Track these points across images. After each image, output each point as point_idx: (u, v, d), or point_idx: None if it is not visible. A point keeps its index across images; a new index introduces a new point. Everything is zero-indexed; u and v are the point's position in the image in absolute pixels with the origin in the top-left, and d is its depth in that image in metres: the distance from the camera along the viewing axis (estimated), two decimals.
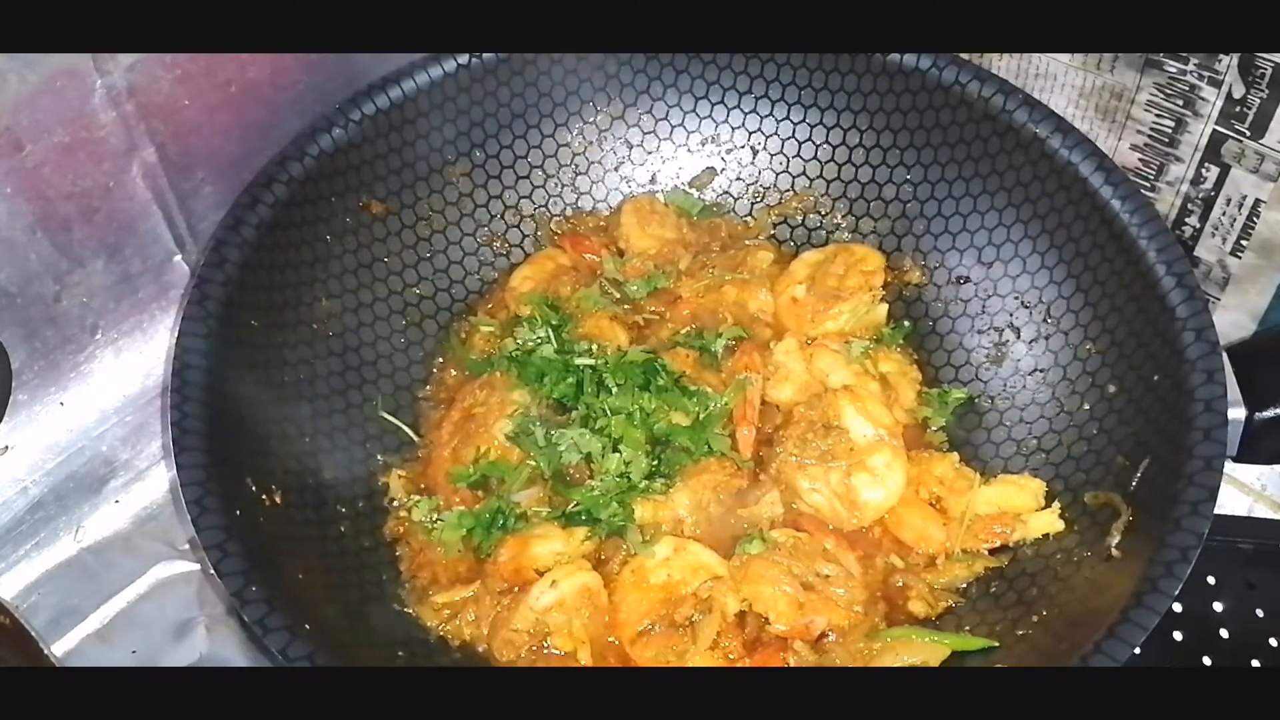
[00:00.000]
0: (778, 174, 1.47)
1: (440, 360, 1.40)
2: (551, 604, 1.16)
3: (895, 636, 1.17)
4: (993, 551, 1.23)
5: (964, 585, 1.22)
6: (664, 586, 1.18)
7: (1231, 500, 1.44)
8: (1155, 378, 1.18)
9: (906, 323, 1.39)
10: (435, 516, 1.25)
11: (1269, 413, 1.16)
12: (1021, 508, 1.23)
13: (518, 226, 1.46)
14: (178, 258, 1.43)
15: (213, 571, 1.06)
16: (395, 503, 1.29)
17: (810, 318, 1.35)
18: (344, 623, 1.15)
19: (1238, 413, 1.15)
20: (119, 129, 1.27)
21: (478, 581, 1.21)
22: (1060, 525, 1.21)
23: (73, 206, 1.29)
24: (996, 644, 1.14)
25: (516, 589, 1.19)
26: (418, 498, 1.27)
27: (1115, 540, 1.13)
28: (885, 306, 1.39)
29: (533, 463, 1.26)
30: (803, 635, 1.17)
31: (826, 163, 1.45)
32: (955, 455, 1.28)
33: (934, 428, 1.33)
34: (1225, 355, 1.15)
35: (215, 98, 1.33)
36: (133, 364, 1.45)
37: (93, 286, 1.37)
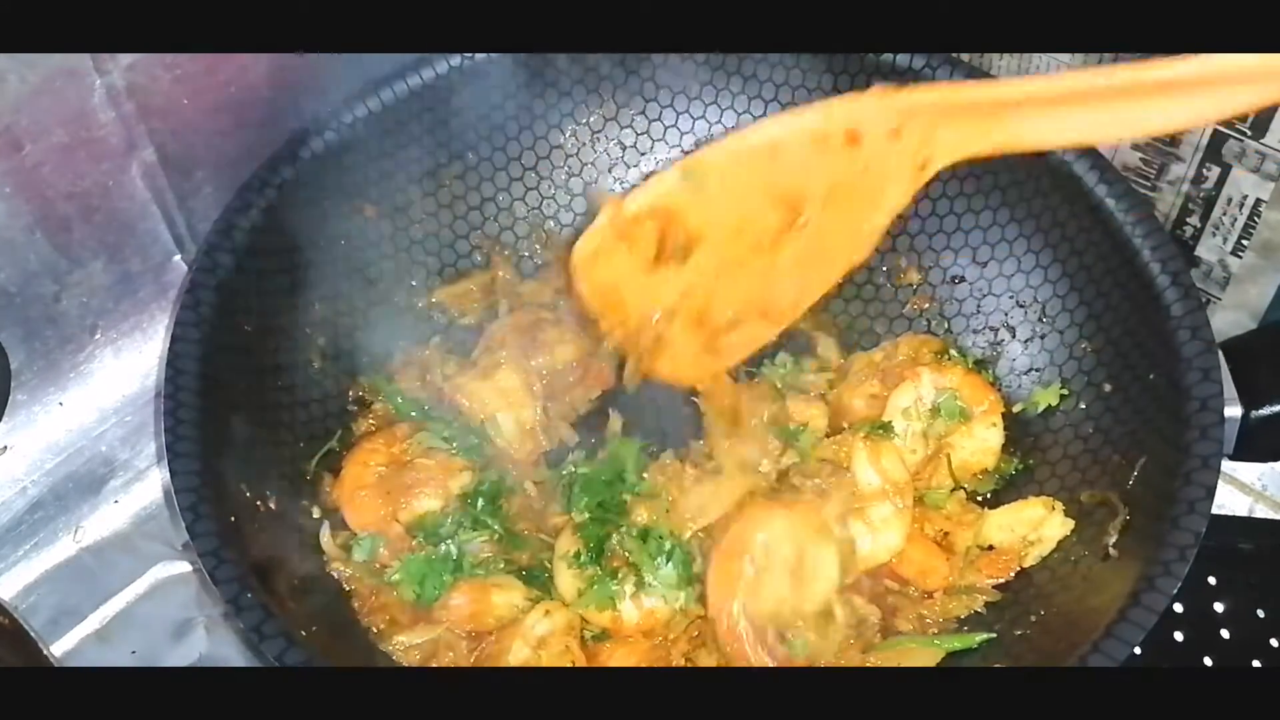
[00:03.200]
0: None
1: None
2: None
3: (890, 647, 1.16)
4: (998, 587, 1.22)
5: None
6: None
7: (1231, 501, 1.44)
8: (1151, 376, 1.17)
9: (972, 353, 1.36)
10: (378, 562, 1.21)
11: (1265, 410, 1.16)
12: (1033, 522, 1.21)
13: (511, 229, 1.46)
14: (177, 258, 1.43)
15: None
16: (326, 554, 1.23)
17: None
18: (340, 628, 1.16)
19: (1234, 410, 1.15)
20: (119, 129, 1.27)
21: (442, 625, 1.18)
22: (1070, 524, 1.20)
23: (72, 206, 1.29)
24: (994, 634, 1.14)
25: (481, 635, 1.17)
26: (358, 537, 1.23)
27: (1113, 539, 1.13)
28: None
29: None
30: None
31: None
32: (961, 492, 1.27)
33: None
34: (1221, 353, 1.15)
35: (215, 98, 1.32)
36: (132, 364, 1.45)
37: (93, 286, 1.37)
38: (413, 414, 1.31)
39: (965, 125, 0.99)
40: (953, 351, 1.34)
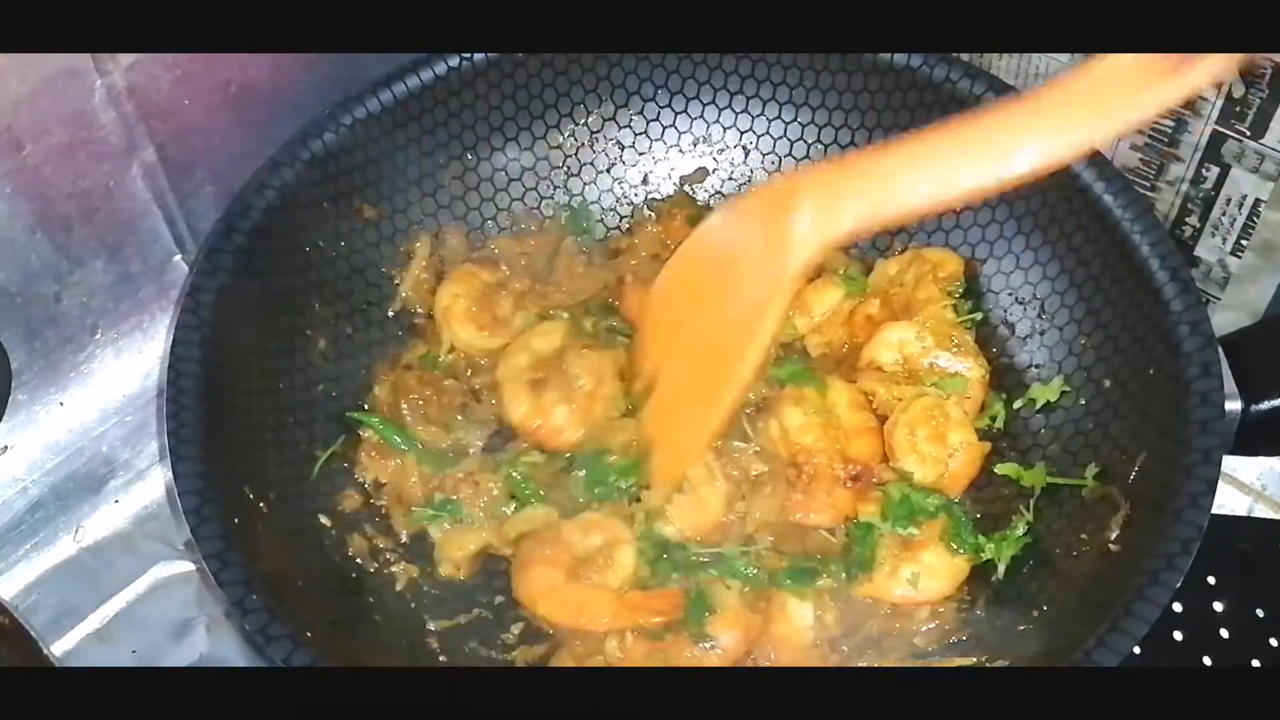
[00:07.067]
0: (770, 173, 1.47)
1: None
2: None
3: None
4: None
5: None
6: None
7: (1231, 500, 1.44)
8: (1151, 371, 1.17)
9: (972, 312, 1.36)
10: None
11: (1265, 404, 1.16)
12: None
13: (510, 229, 1.46)
14: (178, 258, 1.43)
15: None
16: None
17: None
18: (344, 630, 1.15)
19: (1234, 405, 1.15)
20: (119, 129, 1.28)
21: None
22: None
23: (73, 206, 1.30)
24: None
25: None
26: (425, 509, 1.24)
27: (1114, 534, 1.13)
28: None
29: None
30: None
31: (818, 161, 1.44)
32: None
33: None
34: (1220, 348, 1.15)
35: (215, 98, 1.33)
36: (133, 364, 1.45)
37: (93, 286, 1.37)
38: (396, 439, 1.29)
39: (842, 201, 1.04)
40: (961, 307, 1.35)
